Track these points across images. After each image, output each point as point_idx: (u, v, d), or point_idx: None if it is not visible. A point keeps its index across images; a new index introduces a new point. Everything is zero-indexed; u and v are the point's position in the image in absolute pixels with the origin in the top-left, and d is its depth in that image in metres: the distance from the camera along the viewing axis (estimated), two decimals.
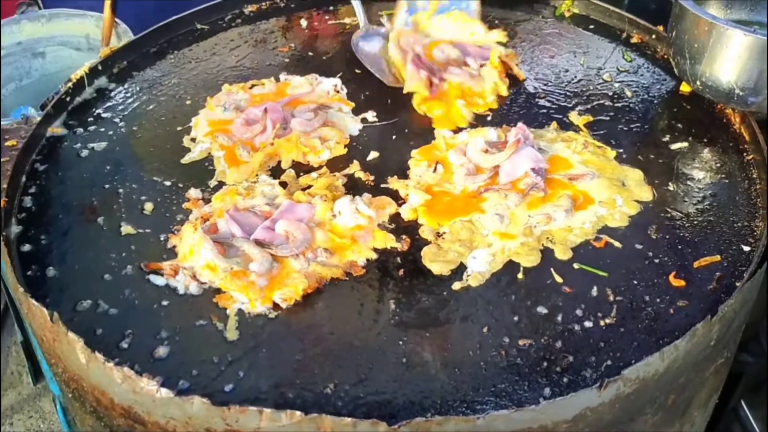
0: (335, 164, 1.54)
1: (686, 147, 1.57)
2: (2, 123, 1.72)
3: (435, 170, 1.49)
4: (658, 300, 1.26)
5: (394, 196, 1.46)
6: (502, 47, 1.78)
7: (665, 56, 1.76)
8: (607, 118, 1.64)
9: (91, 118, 1.68)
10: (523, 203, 1.41)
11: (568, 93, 1.72)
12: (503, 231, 1.37)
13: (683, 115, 1.66)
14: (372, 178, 1.51)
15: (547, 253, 1.34)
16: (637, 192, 1.45)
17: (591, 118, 1.63)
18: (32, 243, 1.37)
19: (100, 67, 1.78)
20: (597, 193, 1.43)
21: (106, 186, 1.50)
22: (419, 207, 1.42)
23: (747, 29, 1.46)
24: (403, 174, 1.51)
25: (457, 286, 1.29)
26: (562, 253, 1.34)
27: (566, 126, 1.62)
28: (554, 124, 1.61)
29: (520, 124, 1.54)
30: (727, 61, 1.50)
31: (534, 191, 1.42)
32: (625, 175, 1.48)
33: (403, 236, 1.38)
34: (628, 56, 1.84)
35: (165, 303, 1.26)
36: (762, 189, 1.45)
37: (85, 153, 1.58)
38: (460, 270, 1.32)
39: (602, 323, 1.22)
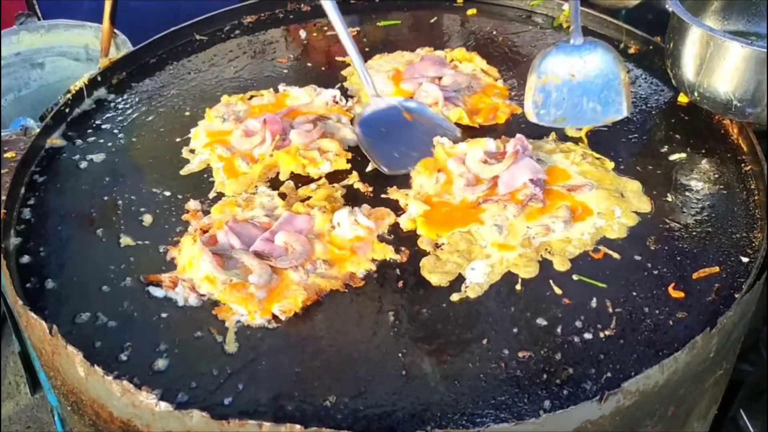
0: (334, 175, 1.54)
1: (684, 158, 1.57)
2: (1, 134, 1.72)
3: (437, 180, 1.49)
4: (657, 311, 1.26)
5: (394, 206, 1.46)
6: None
7: (663, 67, 1.76)
8: (606, 129, 1.64)
9: (90, 130, 1.68)
10: (522, 214, 1.41)
11: None
12: (502, 242, 1.37)
13: (681, 126, 1.66)
14: (371, 189, 1.51)
15: (545, 265, 1.34)
16: (635, 203, 1.45)
17: (590, 128, 1.64)
18: (31, 255, 1.37)
19: (99, 78, 1.79)
20: (596, 205, 1.43)
21: (105, 197, 1.50)
22: (418, 218, 1.42)
23: (744, 41, 1.46)
24: (403, 184, 1.51)
25: (455, 297, 1.29)
26: (561, 265, 1.34)
27: (565, 137, 1.62)
28: (553, 135, 1.62)
29: (518, 135, 1.54)
30: (724, 72, 1.50)
31: (533, 202, 1.42)
32: (623, 186, 1.49)
33: (402, 248, 1.38)
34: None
35: (164, 315, 1.26)
36: (760, 200, 1.45)
37: (84, 164, 1.58)
38: (458, 281, 1.32)
39: (602, 335, 1.22)
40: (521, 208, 1.42)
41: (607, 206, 1.43)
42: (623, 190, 1.48)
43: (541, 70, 1.60)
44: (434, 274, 1.33)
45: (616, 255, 1.36)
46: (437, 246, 1.38)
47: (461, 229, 1.40)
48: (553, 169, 1.52)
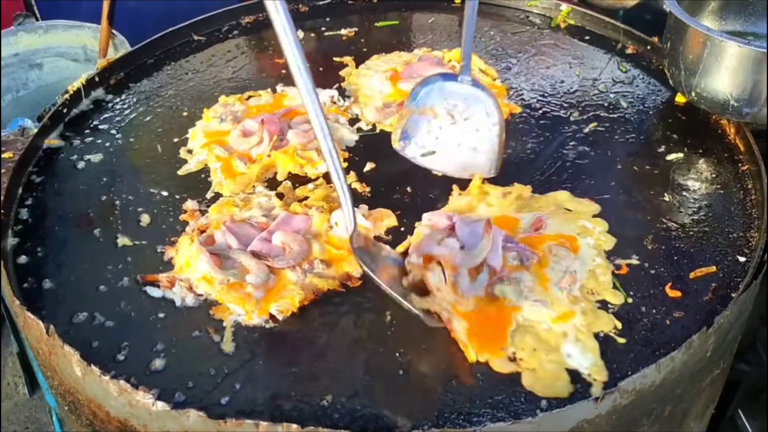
0: None
1: (681, 158, 1.57)
2: None
3: (444, 278, 1.25)
4: (654, 311, 1.26)
5: (393, 207, 1.45)
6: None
7: (660, 67, 1.76)
8: (603, 129, 1.64)
9: (88, 130, 1.68)
10: (535, 277, 1.27)
11: (564, 104, 1.73)
12: (556, 314, 1.23)
13: (678, 125, 1.66)
14: (368, 189, 1.51)
15: (604, 305, 1.26)
16: (583, 210, 1.41)
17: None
18: (28, 255, 1.37)
19: (97, 79, 1.79)
20: (568, 230, 1.35)
21: (103, 198, 1.50)
22: (474, 345, 1.19)
23: (742, 41, 1.46)
24: (402, 187, 1.50)
25: (596, 391, 1.12)
26: (615, 298, 1.27)
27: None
28: (455, 188, 1.49)
29: (442, 217, 1.38)
30: (722, 72, 1.50)
31: (527, 260, 1.29)
32: (557, 202, 1.43)
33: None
34: (624, 67, 1.85)
35: (161, 315, 1.26)
36: (757, 200, 1.45)
37: (81, 165, 1.58)
38: (573, 375, 1.15)
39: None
40: (528, 272, 1.27)
41: (576, 224, 1.36)
42: (562, 206, 1.42)
43: (419, 100, 1.49)
44: (549, 389, 1.13)
45: (635, 261, 1.33)
46: (513, 360, 1.18)
47: (510, 329, 1.22)
48: (498, 221, 1.37)
